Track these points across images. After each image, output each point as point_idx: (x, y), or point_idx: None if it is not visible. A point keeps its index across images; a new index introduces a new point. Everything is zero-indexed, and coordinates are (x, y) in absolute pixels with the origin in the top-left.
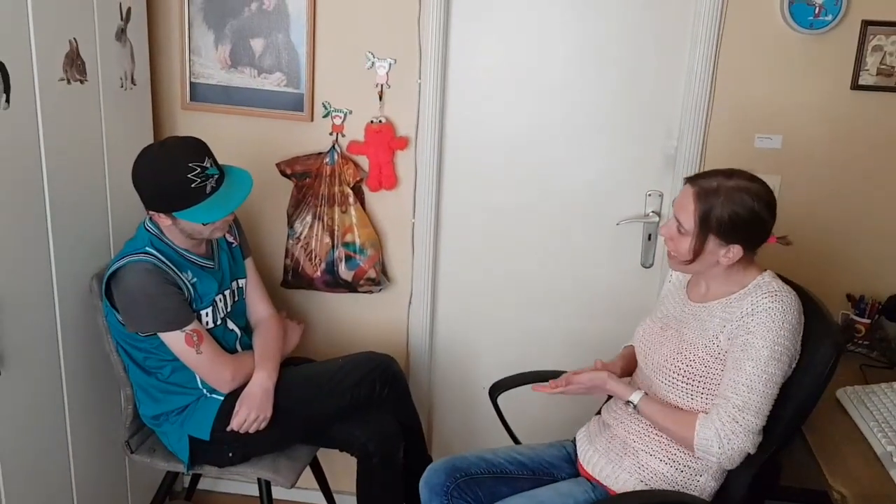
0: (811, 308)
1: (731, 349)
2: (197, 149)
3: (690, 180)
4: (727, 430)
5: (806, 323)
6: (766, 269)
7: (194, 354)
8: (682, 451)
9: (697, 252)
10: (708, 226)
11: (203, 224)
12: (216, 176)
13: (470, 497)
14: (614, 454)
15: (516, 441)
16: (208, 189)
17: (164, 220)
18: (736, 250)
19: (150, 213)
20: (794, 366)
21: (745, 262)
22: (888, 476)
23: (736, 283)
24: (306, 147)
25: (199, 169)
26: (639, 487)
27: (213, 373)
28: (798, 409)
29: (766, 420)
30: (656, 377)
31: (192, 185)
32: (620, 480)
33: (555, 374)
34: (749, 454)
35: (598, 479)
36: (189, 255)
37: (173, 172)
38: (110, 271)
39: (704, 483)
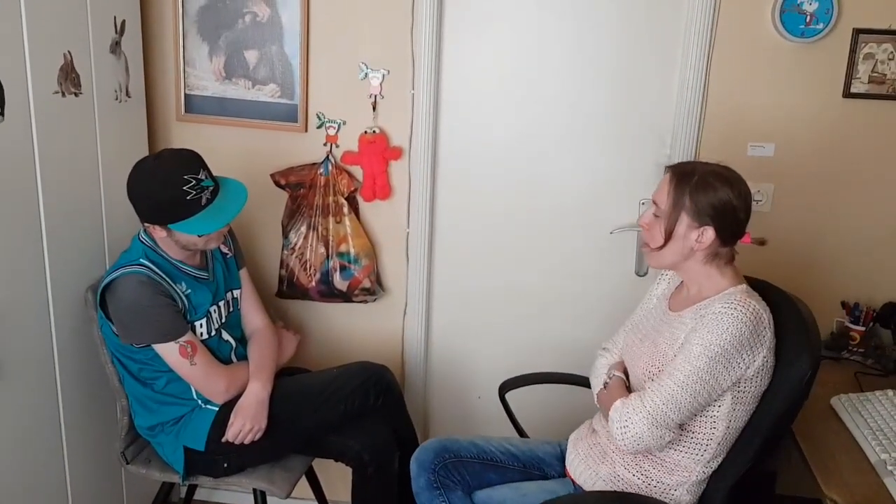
0: (796, 319)
1: (682, 347)
2: (192, 161)
3: (671, 166)
4: (629, 408)
5: (788, 335)
6: (742, 283)
7: (188, 366)
8: (656, 467)
9: (669, 233)
10: (681, 203)
11: (198, 236)
12: (211, 188)
13: (456, 477)
14: (592, 460)
15: (523, 435)
16: (203, 201)
17: (158, 233)
18: (709, 233)
19: (146, 224)
20: (748, 377)
21: (723, 261)
22: (882, 484)
23: (712, 288)
24: (300, 157)
25: (194, 181)
26: None
27: (208, 384)
28: (776, 422)
29: (680, 419)
30: (639, 389)
31: (188, 198)
32: (597, 487)
33: (563, 377)
34: (651, 447)
35: (578, 482)
36: (183, 267)
37: (168, 185)
38: (105, 283)
39: (679, 497)
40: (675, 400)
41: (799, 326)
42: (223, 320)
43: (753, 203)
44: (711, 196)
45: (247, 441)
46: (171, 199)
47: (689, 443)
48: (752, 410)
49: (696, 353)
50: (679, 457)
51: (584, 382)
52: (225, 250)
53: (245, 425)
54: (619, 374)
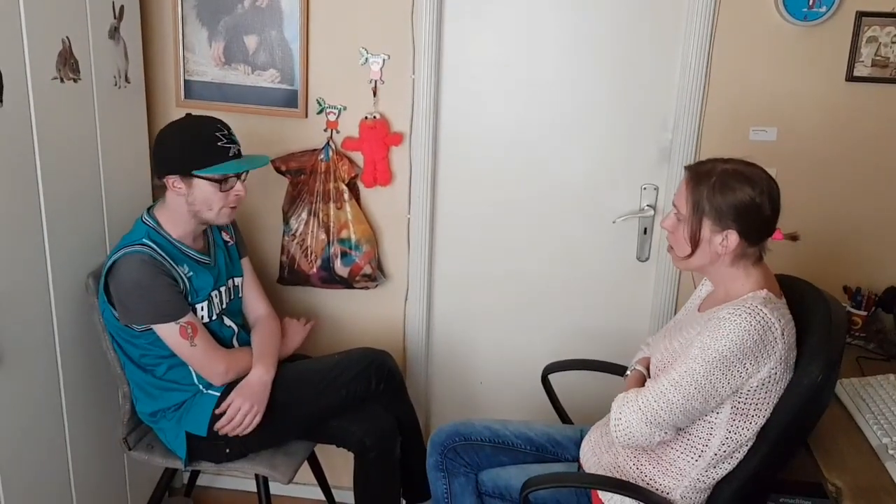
0: (822, 321)
1: (683, 349)
2: (222, 122)
3: (688, 167)
4: (626, 402)
5: (809, 338)
6: (764, 289)
7: (188, 347)
8: (652, 463)
9: (694, 240)
10: (701, 208)
11: (220, 189)
12: (238, 147)
13: (465, 459)
14: (599, 448)
15: (566, 420)
16: (230, 153)
17: (177, 187)
18: (732, 238)
19: (167, 178)
20: (738, 391)
21: (750, 262)
22: (883, 468)
23: (735, 292)
24: (301, 143)
25: (226, 131)
26: None
27: (208, 365)
28: (783, 429)
29: (673, 419)
30: None
31: (218, 144)
32: (592, 471)
33: (604, 365)
34: (642, 443)
35: (584, 467)
36: (186, 250)
37: (201, 130)
38: (108, 264)
39: (673, 500)
40: (666, 399)
41: (822, 328)
42: (224, 306)
43: None
44: (731, 198)
45: (245, 424)
46: (203, 142)
47: (684, 443)
48: (758, 425)
49: (692, 354)
50: (674, 456)
51: (623, 372)
52: (227, 238)
53: (244, 405)
54: (641, 368)
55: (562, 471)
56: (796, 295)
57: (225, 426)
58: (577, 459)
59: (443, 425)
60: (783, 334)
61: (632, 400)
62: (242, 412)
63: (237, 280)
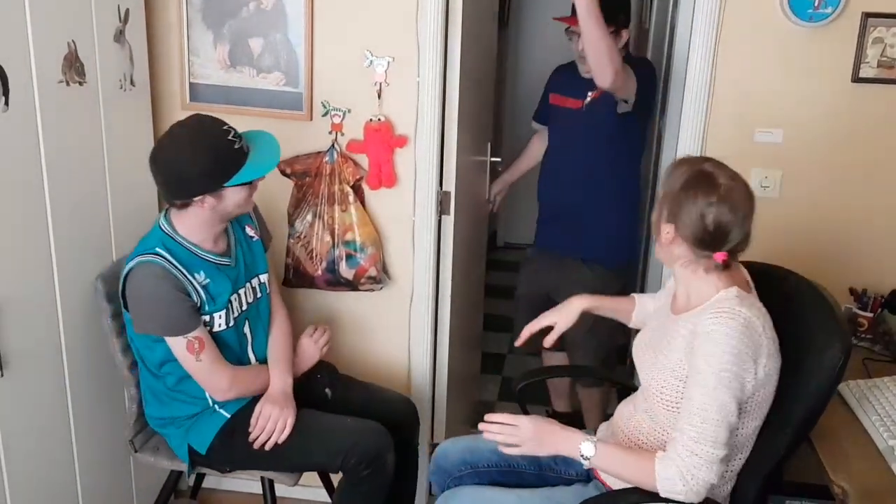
0: (820, 306)
1: (688, 373)
2: (215, 118)
3: (676, 159)
4: (689, 465)
5: (814, 323)
6: (733, 286)
7: (193, 361)
8: None
9: (657, 227)
10: (663, 195)
11: (249, 190)
12: (243, 137)
13: (469, 484)
14: None
15: None
16: (245, 148)
17: (206, 205)
18: (669, 230)
19: (195, 200)
20: (753, 388)
21: (709, 267)
22: (890, 470)
23: (700, 293)
24: (306, 146)
25: (232, 130)
26: None
27: (210, 380)
28: (806, 413)
29: (726, 448)
30: (651, 400)
31: (235, 147)
32: (619, 485)
33: (579, 369)
34: (714, 483)
35: (602, 479)
36: (204, 254)
37: (215, 142)
38: (125, 271)
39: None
40: (720, 438)
41: (826, 314)
42: (244, 308)
43: (761, 189)
44: (682, 196)
45: (279, 430)
46: (224, 153)
47: None
48: (761, 416)
49: (712, 384)
50: None
51: (602, 375)
52: (251, 233)
53: (273, 410)
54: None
55: (565, 497)
56: (775, 282)
57: (259, 436)
58: (582, 474)
59: (451, 445)
60: (764, 329)
61: (700, 461)
62: (273, 419)
63: (262, 277)
